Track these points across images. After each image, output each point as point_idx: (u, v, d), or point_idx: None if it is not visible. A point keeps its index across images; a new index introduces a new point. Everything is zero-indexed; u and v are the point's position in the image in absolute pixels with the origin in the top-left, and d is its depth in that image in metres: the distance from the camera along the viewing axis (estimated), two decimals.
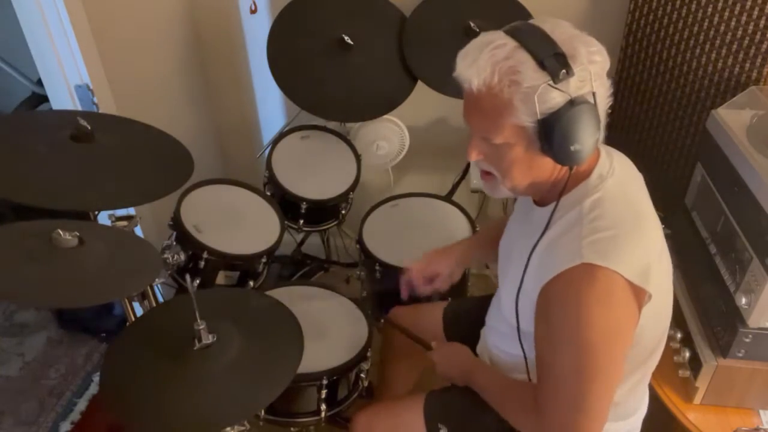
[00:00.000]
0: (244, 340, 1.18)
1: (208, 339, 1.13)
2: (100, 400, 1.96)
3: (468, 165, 2.11)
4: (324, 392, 1.40)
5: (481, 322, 1.36)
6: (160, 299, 1.57)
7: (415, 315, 1.54)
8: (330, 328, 1.54)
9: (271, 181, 1.85)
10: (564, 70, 0.88)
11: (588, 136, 0.91)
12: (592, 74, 0.91)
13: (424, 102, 1.92)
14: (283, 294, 1.60)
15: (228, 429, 1.24)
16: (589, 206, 0.97)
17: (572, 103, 0.89)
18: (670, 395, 1.42)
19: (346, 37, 1.80)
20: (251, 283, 1.64)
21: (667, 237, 1.07)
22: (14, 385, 2.05)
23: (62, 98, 1.63)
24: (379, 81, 1.88)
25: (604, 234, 0.94)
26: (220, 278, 1.62)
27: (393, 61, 1.85)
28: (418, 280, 1.42)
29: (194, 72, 2.19)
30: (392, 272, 1.56)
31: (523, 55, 0.90)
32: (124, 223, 1.39)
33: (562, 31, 0.92)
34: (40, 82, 2.17)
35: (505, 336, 1.20)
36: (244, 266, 1.64)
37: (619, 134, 1.99)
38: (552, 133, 0.90)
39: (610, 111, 0.97)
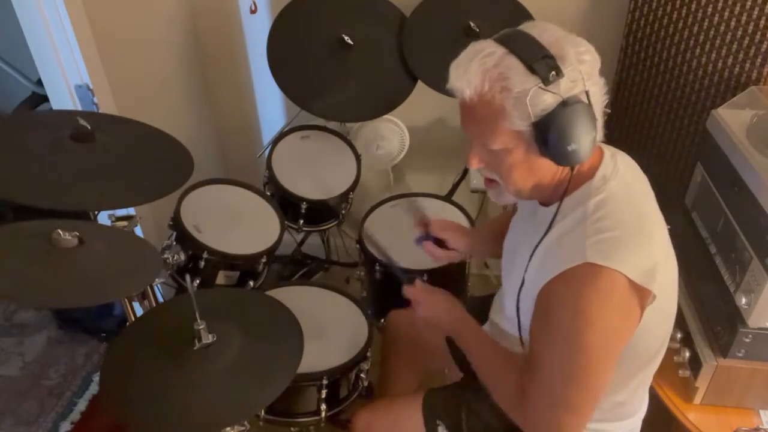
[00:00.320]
0: (244, 340, 1.18)
1: (208, 339, 1.13)
2: (100, 400, 1.97)
3: None
4: (324, 392, 1.40)
5: (482, 323, 1.36)
6: (160, 299, 1.57)
7: (415, 318, 1.53)
8: (330, 328, 1.54)
9: (271, 181, 1.85)
10: (553, 72, 0.89)
11: (584, 135, 0.92)
12: (583, 74, 0.91)
13: (424, 102, 1.92)
14: (283, 294, 1.60)
15: (228, 429, 1.24)
16: (593, 207, 0.98)
17: (565, 103, 0.90)
18: (670, 395, 1.42)
19: (346, 37, 1.80)
20: (251, 283, 1.64)
21: None
22: (14, 385, 2.05)
23: (62, 98, 1.63)
24: (379, 81, 1.88)
25: (607, 234, 0.94)
26: (220, 278, 1.62)
27: (393, 61, 1.85)
28: (436, 227, 1.42)
29: (194, 72, 2.19)
30: (392, 272, 1.55)
31: (512, 60, 0.90)
32: (124, 223, 1.39)
33: (550, 34, 0.93)
34: (40, 82, 2.17)
35: (507, 335, 1.21)
36: (244, 266, 1.64)
37: (619, 134, 1.99)
38: (548, 135, 0.91)
39: (608, 110, 0.98)
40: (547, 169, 1.00)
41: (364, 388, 1.53)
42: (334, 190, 1.88)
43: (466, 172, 2.14)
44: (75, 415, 1.96)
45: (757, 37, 1.52)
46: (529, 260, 1.03)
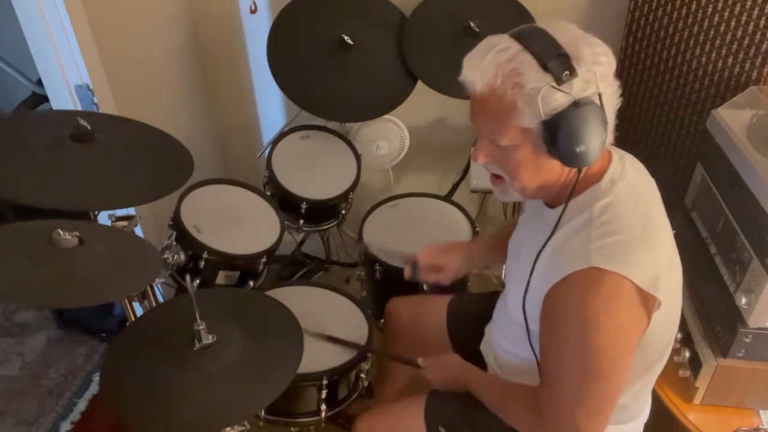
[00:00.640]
0: (244, 340, 1.18)
1: (208, 339, 1.13)
2: (100, 400, 1.97)
3: (468, 165, 2.11)
4: (324, 392, 1.40)
5: (485, 319, 1.36)
6: (160, 299, 1.57)
7: (416, 307, 1.54)
8: (330, 329, 1.54)
9: (271, 181, 1.85)
10: (567, 72, 0.88)
11: (593, 137, 0.91)
12: (598, 75, 0.90)
13: (424, 102, 1.92)
14: (283, 294, 1.60)
15: (228, 429, 1.24)
16: (599, 210, 0.97)
17: (576, 104, 0.89)
18: (670, 395, 1.42)
19: (346, 37, 1.80)
20: (251, 283, 1.64)
21: None
22: (14, 385, 2.05)
23: (62, 98, 1.63)
24: (379, 81, 1.88)
25: (613, 238, 0.94)
26: (220, 278, 1.62)
27: (393, 61, 1.85)
28: (424, 262, 1.42)
29: (194, 72, 2.19)
30: (392, 272, 1.55)
31: (527, 57, 0.90)
32: (124, 223, 1.39)
33: (567, 33, 0.92)
34: (40, 82, 2.17)
35: (509, 336, 1.20)
36: (244, 266, 1.64)
37: (619, 134, 1.98)
38: (557, 135, 0.90)
39: (620, 114, 0.97)
40: (554, 169, 0.99)
41: (364, 388, 1.53)
42: (334, 190, 1.88)
43: (466, 172, 2.14)
44: (75, 415, 1.96)
45: (757, 37, 1.52)
46: (535, 263, 1.02)
